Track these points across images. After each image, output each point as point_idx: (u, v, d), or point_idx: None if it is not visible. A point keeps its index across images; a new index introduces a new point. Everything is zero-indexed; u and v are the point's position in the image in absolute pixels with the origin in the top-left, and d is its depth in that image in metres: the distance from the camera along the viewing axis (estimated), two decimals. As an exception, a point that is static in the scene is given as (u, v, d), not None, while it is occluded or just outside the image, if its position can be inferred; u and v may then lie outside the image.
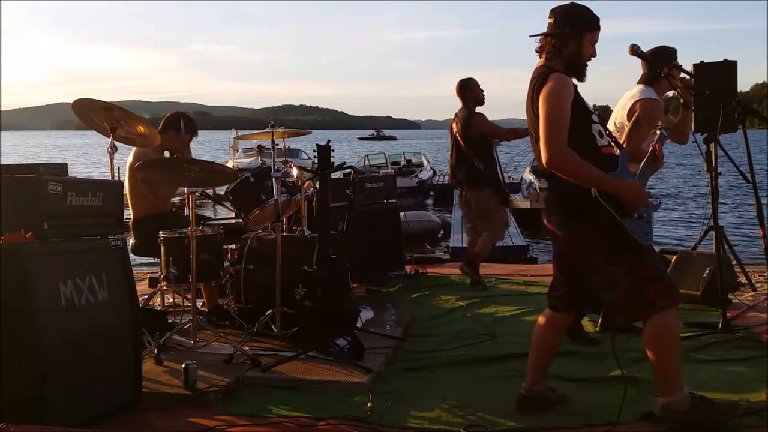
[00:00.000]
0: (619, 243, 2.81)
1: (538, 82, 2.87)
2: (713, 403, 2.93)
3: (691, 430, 2.81)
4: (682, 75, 4.14)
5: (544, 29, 2.97)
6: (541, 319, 3.18)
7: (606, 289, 2.89)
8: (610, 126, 4.29)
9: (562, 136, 2.76)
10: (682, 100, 4.26)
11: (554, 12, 2.93)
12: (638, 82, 4.31)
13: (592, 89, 2.97)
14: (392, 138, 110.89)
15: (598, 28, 2.95)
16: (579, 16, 2.91)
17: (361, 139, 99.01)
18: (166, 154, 4.81)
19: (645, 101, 4.16)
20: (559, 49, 2.90)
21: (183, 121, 4.89)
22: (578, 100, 2.87)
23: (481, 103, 5.94)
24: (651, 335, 2.82)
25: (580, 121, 2.84)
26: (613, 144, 2.98)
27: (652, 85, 4.24)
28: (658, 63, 4.01)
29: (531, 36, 2.99)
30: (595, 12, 2.95)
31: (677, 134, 4.29)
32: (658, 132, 3.15)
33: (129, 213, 4.71)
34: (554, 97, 2.79)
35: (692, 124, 4.53)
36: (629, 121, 4.22)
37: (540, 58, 2.98)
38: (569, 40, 2.89)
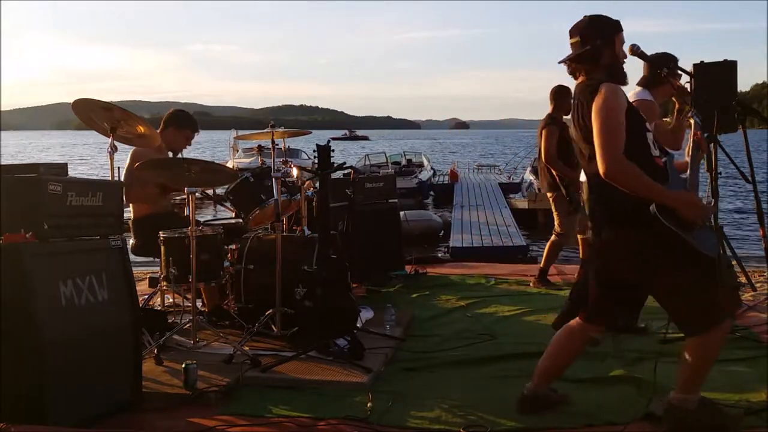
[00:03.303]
0: (682, 255, 2.72)
1: (587, 94, 2.82)
2: (719, 407, 2.93)
3: (692, 430, 2.81)
4: (681, 81, 4.14)
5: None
6: (566, 328, 3.11)
7: (670, 300, 2.81)
8: None
9: (619, 147, 2.69)
10: (677, 106, 4.27)
11: (577, 30, 2.91)
12: (638, 84, 4.33)
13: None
14: (365, 138, 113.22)
15: (622, 29, 2.95)
16: (603, 24, 2.92)
17: (333, 139, 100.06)
18: (170, 154, 4.81)
19: (641, 102, 4.17)
20: (598, 61, 2.88)
21: (181, 117, 4.91)
22: (631, 109, 2.82)
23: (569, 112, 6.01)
24: (701, 343, 2.77)
25: (636, 130, 2.79)
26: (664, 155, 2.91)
27: (652, 89, 4.26)
28: (659, 63, 4.01)
29: (560, 62, 2.97)
30: (597, 13, 2.99)
31: (671, 140, 4.30)
32: (692, 121, 3.07)
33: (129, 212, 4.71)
34: (608, 108, 2.74)
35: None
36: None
37: (576, 79, 2.96)
38: (604, 49, 2.88)
